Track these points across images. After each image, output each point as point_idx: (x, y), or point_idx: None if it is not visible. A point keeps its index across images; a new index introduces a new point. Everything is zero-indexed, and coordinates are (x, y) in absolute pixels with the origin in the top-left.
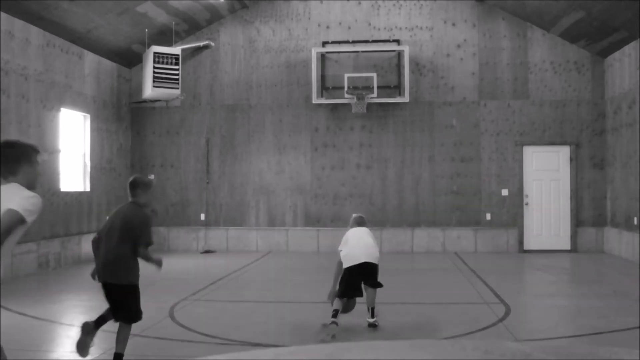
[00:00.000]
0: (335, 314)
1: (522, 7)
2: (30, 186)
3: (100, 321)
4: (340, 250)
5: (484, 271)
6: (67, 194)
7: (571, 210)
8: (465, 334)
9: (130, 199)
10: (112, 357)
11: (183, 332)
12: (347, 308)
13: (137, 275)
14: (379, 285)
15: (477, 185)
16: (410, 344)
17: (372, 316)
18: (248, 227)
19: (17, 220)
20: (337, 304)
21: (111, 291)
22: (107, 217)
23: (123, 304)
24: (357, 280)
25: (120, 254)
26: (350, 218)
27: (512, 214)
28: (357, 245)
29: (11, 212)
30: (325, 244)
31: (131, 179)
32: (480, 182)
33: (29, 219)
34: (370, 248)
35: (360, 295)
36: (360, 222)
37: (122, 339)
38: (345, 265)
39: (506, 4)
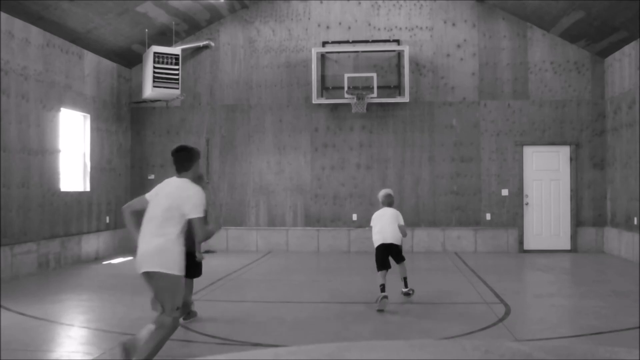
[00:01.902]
0: (382, 288)
1: (522, 7)
2: (195, 180)
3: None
4: (372, 227)
5: (484, 271)
6: (67, 194)
7: (571, 210)
8: (465, 334)
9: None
10: (112, 358)
11: (183, 332)
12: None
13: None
14: (402, 259)
15: (477, 185)
16: (410, 344)
17: (406, 286)
18: (248, 227)
19: (204, 221)
20: (380, 279)
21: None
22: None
23: (199, 266)
24: (384, 255)
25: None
26: (380, 193)
27: (512, 214)
28: (382, 228)
29: (200, 220)
30: (325, 244)
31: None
32: (480, 182)
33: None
34: (392, 232)
35: (388, 267)
36: (389, 203)
37: (190, 291)
38: (375, 244)
39: (506, 4)
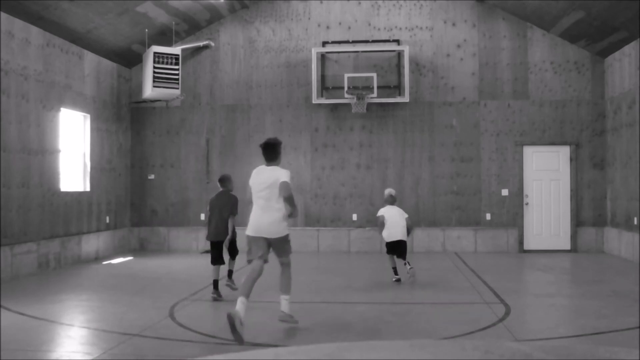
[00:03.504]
0: (395, 270)
1: (522, 7)
2: (223, 181)
3: (230, 274)
4: (382, 215)
5: (484, 271)
6: (67, 194)
7: (571, 210)
8: (465, 334)
9: (221, 189)
10: (112, 358)
11: (183, 332)
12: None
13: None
14: (405, 257)
15: (477, 185)
16: (410, 344)
17: (410, 266)
18: None
19: (289, 185)
20: (391, 262)
21: (218, 245)
22: (210, 201)
23: (232, 249)
24: (395, 249)
25: (224, 224)
26: (386, 191)
27: (512, 214)
28: (394, 226)
29: (286, 182)
30: (325, 244)
31: (220, 176)
32: (480, 182)
33: (290, 184)
34: (401, 229)
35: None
36: (392, 201)
37: (233, 264)
38: (386, 240)
39: (506, 4)
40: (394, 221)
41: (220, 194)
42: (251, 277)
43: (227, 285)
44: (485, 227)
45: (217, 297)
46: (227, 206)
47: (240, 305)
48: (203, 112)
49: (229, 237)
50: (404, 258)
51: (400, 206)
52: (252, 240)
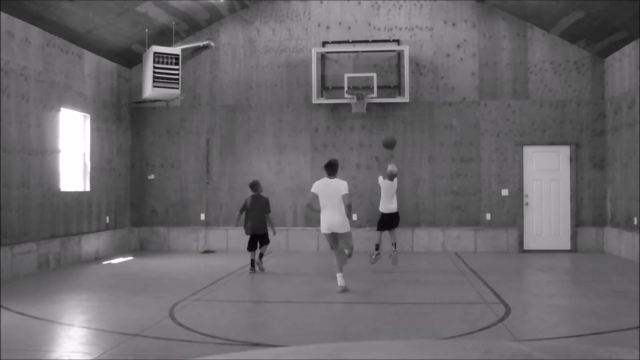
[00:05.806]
0: (377, 247)
1: (522, 7)
2: (252, 186)
3: (257, 258)
4: (380, 185)
5: (484, 271)
6: (67, 194)
7: (571, 210)
8: (465, 334)
9: (253, 193)
10: (112, 358)
11: (183, 332)
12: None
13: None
14: (397, 225)
15: (477, 185)
16: (410, 344)
17: (395, 248)
18: None
19: (349, 195)
20: (377, 238)
21: (259, 237)
22: (245, 201)
23: (264, 239)
24: (387, 220)
25: (262, 219)
26: (389, 168)
27: (512, 214)
28: (390, 200)
29: (347, 194)
30: (325, 244)
31: (251, 182)
32: (480, 182)
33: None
34: (396, 202)
35: (389, 228)
36: (392, 177)
37: (264, 249)
38: (381, 210)
39: (506, 4)
40: (390, 195)
41: (256, 197)
42: (338, 259)
43: (258, 264)
44: (485, 227)
45: (254, 271)
46: (263, 206)
47: (340, 279)
48: (203, 112)
49: (272, 231)
50: (395, 226)
51: (400, 206)
52: (326, 236)
